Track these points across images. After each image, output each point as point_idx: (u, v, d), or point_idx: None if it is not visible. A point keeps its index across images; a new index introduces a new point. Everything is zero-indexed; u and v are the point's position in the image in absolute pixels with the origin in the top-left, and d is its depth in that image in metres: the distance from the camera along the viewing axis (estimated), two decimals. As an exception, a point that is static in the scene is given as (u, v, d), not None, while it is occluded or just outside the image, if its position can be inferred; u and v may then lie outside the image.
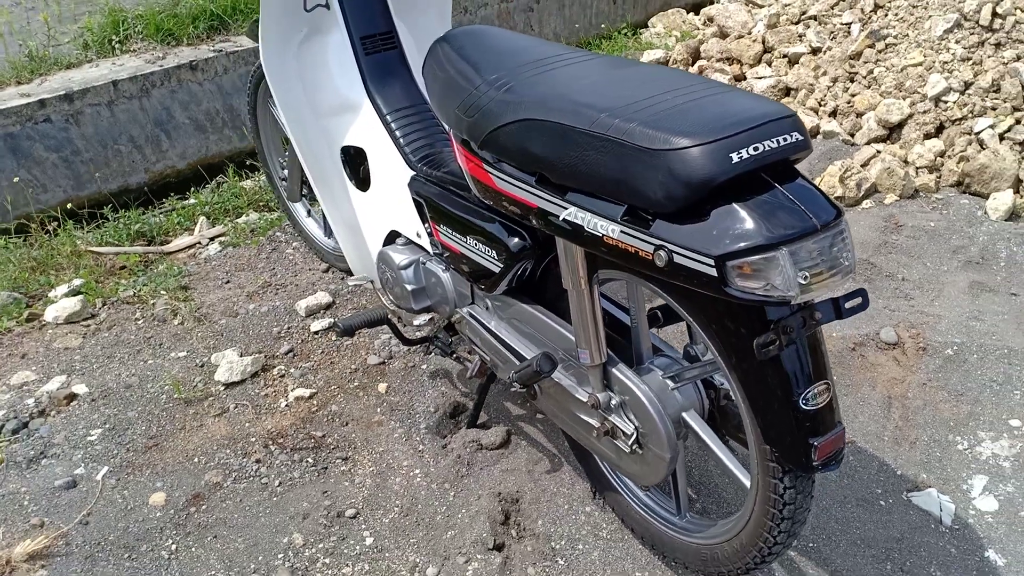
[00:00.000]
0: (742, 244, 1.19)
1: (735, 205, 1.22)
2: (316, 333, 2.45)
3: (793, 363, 1.35)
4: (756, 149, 1.21)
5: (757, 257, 1.20)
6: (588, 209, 1.36)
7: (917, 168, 3.12)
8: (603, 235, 1.34)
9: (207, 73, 4.76)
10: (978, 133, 3.12)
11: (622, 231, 1.31)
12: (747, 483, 1.52)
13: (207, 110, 4.77)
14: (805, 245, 1.21)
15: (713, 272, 1.21)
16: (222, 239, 3.01)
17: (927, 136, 3.21)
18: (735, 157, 1.20)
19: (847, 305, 1.34)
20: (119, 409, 2.19)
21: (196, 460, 2.04)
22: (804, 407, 1.34)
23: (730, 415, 1.62)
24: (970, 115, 3.18)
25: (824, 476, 1.99)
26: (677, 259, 1.25)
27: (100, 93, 4.33)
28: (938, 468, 2.03)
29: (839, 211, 1.26)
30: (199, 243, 3.04)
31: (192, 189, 3.51)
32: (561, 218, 1.41)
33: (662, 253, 1.26)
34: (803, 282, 1.21)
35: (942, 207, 3.01)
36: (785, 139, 1.24)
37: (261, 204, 3.27)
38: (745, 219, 1.21)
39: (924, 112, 3.24)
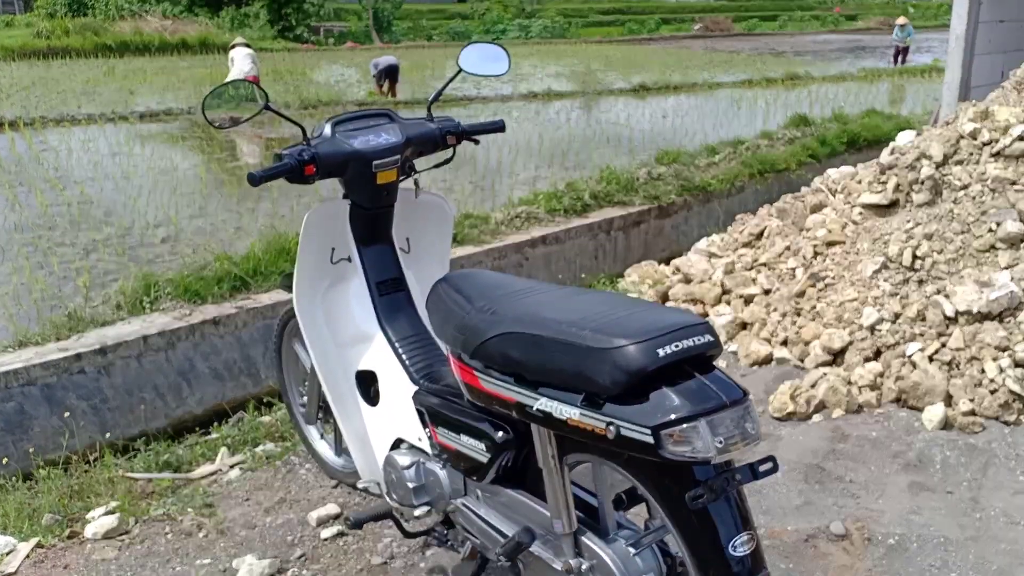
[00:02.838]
0: (672, 416, 1.59)
1: (665, 388, 1.63)
2: (326, 539, 2.74)
3: (722, 517, 1.69)
4: (677, 346, 1.64)
5: (683, 426, 1.59)
6: (555, 398, 1.76)
7: (860, 387, 3.53)
8: (567, 418, 1.73)
9: (228, 327, 5.25)
10: (910, 356, 3.57)
11: (581, 413, 1.70)
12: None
13: (226, 360, 5.21)
14: (719, 416, 1.61)
15: (650, 439, 1.60)
16: (242, 465, 3.35)
17: (867, 359, 3.65)
18: (661, 352, 1.62)
19: (761, 468, 1.70)
20: (149, 609, 2.43)
21: (218, 650, 2.26)
22: (733, 553, 1.66)
23: (683, 579, 1.90)
24: (902, 341, 3.64)
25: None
26: (623, 431, 1.63)
27: (131, 347, 4.76)
28: (886, 642, 2.25)
29: (744, 392, 1.66)
30: (221, 470, 3.36)
31: (214, 424, 3.88)
32: (535, 408, 1.81)
33: (612, 427, 1.65)
34: (719, 446, 1.59)
35: (883, 419, 3.38)
36: (699, 339, 1.68)
37: (277, 435, 3.63)
38: (673, 398, 1.61)
39: (862, 339, 3.71)
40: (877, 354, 3.69)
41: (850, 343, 3.74)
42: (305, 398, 3.07)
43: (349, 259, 2.60)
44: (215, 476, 3.30)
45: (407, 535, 2.39)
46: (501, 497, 2.13)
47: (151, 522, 2.90)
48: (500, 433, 2.04)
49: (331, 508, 2.88)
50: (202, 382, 4.96)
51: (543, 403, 1.79)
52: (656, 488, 1.74)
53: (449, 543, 2.32)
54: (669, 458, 1.60)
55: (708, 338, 1.69)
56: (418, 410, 2.36)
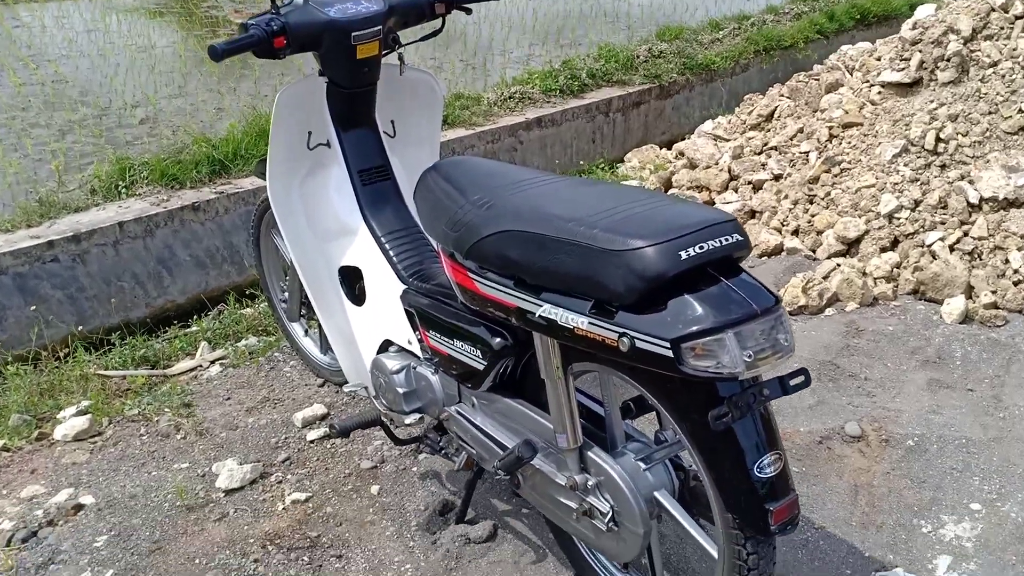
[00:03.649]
0: (694, 328, 1.38)
1: (687, 296, 1.41)
2: (312, 442, 2.58)
3: (747, 436, 1.50)
4: (701, 248, 1.42)
5: (707, 339, 1.38)
6: (561, 305, 1.55)
7: (875, 278, 3.34)
8: (574, 327, 1.52)
9: (208, 213, 4.99)
10: (930, 245, 3.36)
11: (590, 322, 1.49)
12: (714, 553, 1.64)
13: (207, 247, 4.99)
14: (748, 328, 1.40)
15: (670, 354, 1.39)
16: (223, 361, 3.17)
17: (883, 249, 3.45)
18: (683, 254, 1.40)
19: (792, 382, 1.51)
20: (124, 517, 2.29)
21: (197, 562, 2.13)
22: (759, 475, 1.49)
23: (699, 495, 1.75)
24: (921, 230, 3.43)
25: (797, 558, 2.09)
26: (638, 344, 1.43)
27: (107, 234, 4.52)
28: (904, 550, 2.13)
29: (777, 299, 1.45)
30: (200, 366, 3.19)
31: (194, 317, 3.69)
32: (537, 315, 1.60)
33: (625, 339, 1.44)
34: (748, 360, 1.39)
35: (900, 313, 3.21)
36: (726, 239, 1.45)
37: (260, 328, 3.45)
38: (696, 307, 1.40)
39: (879, 228, 3.50)
40: (894, 244, 3.49)
41: (866, 232, 3.53)
42: (287, 293, 2.87)
43: (328, 144, 2.34)
44: (194, 373, 3.13)
45: (397, 442, 2.23)
46: (498, 406, 1.95)
47: (125, 423, 2.74)
48: (498, 339, 1.85)
49: (317, 409, 2.72)
50: (183, 270, 4.77)
51: (547, 310, 1.58)
52: (673, 404, 1.56)
53: (443, 451, 2.16)
54: (691, 374, 1.40)
55: (736, 237, 1.47)
56: (407, 311, 2.15)
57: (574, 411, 1.72)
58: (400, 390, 2.16)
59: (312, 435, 2.60)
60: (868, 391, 2.77)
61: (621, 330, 1.45)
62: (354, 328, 2.39)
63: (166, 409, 2.79)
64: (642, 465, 1.74)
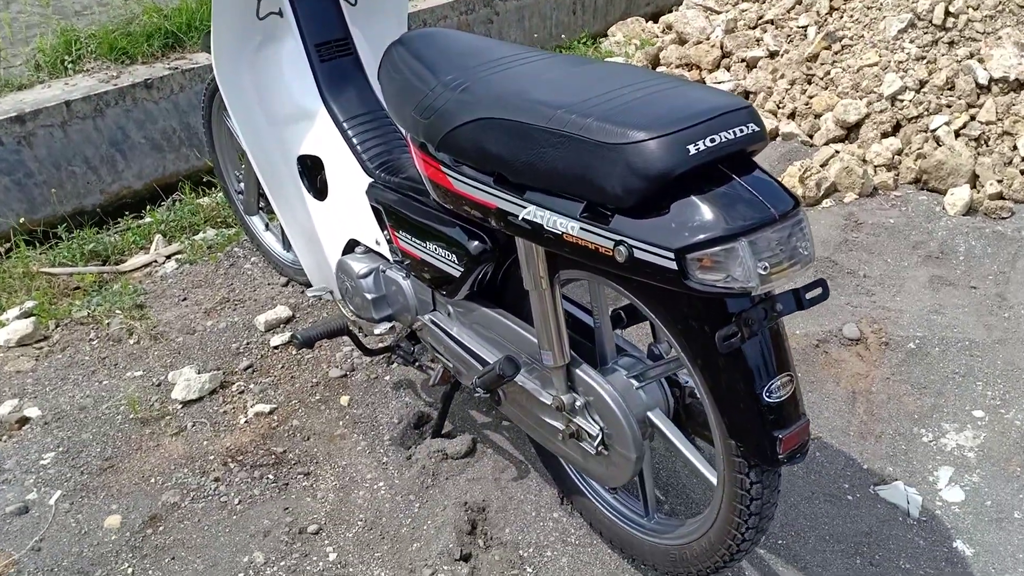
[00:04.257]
0: (701, 236, 1.18)
1: (694, 198, 1.21)
2: (276, 348, 2.41)
3: (756, 356, 1.33)
4: (712, 141, 1.21)
5: (716, 249, 1.19)
6: (547, 207, 1.34)
7: (875, 167, 3.15)
8: (563, 233, 1.32)
9: (162, 91, 4.69)
10: (934, 131, 3.16)
11: (582, 228, 1.29)
12: (714, 480, 1.50)
13: (163, 129, 4.70)
14: (764, 235, 1.20)
15: (673, 265, 1.20)
16: (179, 256, 2.96)
17: (884, 135, 3.23)
18: (692, 149, 1.19)
19: (808, 296, 1.34)
20: (73, 432, 2.12)
21: (153, 481, 1.98)
22: (768, 400, 1.33)
23: (695, 413, 1.60)
24: (926, 113, 3.21)
25: (791, 472, 1.98)
26: (637, 254, 1.23)
27: (53, 114, 4.23)
28: (904, 461, 2.02)
29: (797, 201, 1.25)
30: (155, 261, 2.97)
31: (148, 207, 3.44)
32: (520, 217, 1.39)
33: (622, 248, 1.25)
34: (763, 273, 1.20)
35: (901, 204, 3.03)
36: (741, 130, 1.24)
37: (219, 220, 3.22)
38: (704, 211, 1.20)
39: (881, 111, 3.27)
40: (896, 128, 3.27)
41: (867, 115, 3.30)
42: (243, 183, 2.62)
43: (280, 13, 2.06)
44: (148, 269, 2.92)
45: (367, 353, 2.05)
46: (477, 316, 1.77)
47: (73, 326, 2.54)
48: (475, 243, 1.64)
49: (281, 311, 2.53)
50: (139, 154, 4.49)
51: (531, 212, 1.37)
52: (672, 320, 1.37)
53: (417, 363, 1.99)
54: (697, 289, 1.21)
55: (752, 128, 1.25)
56: (374, 207, 1.94)
57: (561, 326, 1.54)
58: (368, 296, 1.97)
59: (276, 340, 2.42)
60: (867, 289, 2.61)
61: (618, 237, 1.25)
62: (316, 225, 2.17)
63: (117, 311, 2.59)
64: (635, 383, 1.58)
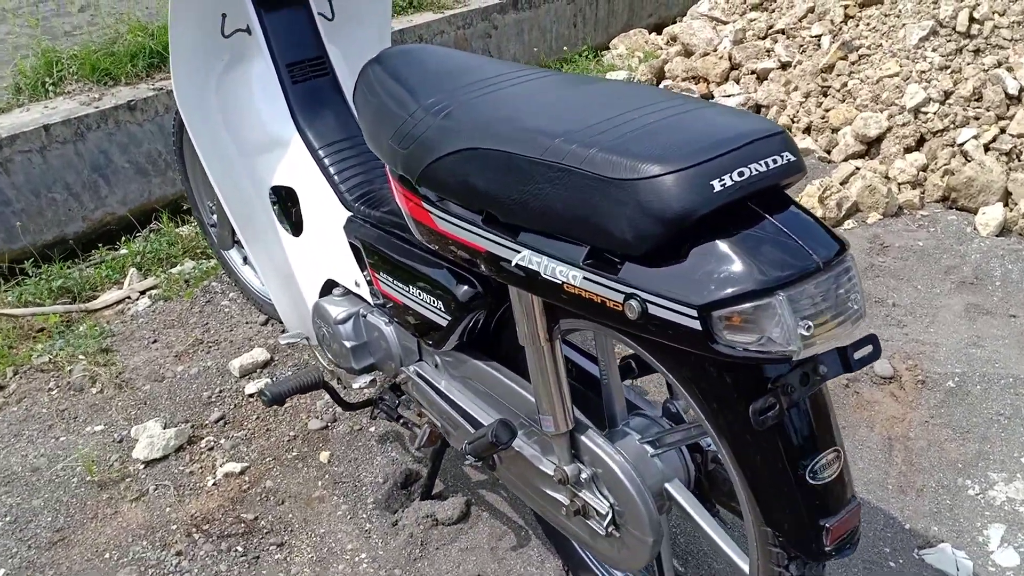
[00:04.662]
0: (730, 290, 0.97)
1: (719, 243, 0.99)
2: (251, 396, 2.19)
3: (796, 430, 1.12)
4: (742, 175, 1.00)
5: (748, 305, 0.97)
6: (544, 252, 1.13)
7: (899, 184, 2.93)
8: (563, 282, 1.11)
9: (147, 113, 4.51)
10: (961, 144, 2.94)
11: (585, 278, 1.08)
12: (745, 568, 1.28)
13: (148, 152, 4.51)
14: (806, 288, 0.99)
15: (696, 325, 0.99)
16: (154, 292, 2.74)
17: (908, 150, 3.02)
18: (717, 185, 0.98)
19: (856, 356, 1.12)
20: (23, 497, 1.91)
21: (107, 556, 1.77)
22: (811, 482, 1.11)
23: (720, 481, 1.39)
24: (952, 126, 3.00)
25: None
26: (652, 310, 1.02)
27: (31, 139, 4.07)
28: (949, 519, 1.80)
29: (843, 244, 1.04)
30: (128, 298, 2.76)
31: (123, 238, 3.24)
32: (513, 263, 1.18)
33: (633, 303, 1.03)
34: (806, 333, 0.99)
35: (929, 224, 2.81)
36: (775, 161, 1.03)
37: (198, 252, 3.01)
38: (732, 259, 0.98)
39: (903, 125, 3.06)
40: (920, 143, 3.06)
41: (888, 129, 3.09)
42: (216, 215, 2.42)
43: (247, 30, 1.85)
44: (121, 306, 2.71)
45: (346, 407, 1.84)
46: (468, 368, 1.55)
47: (33, 373, 2.33)
48: (464, 288, 1.43)
49: (259, 354, 2.32)
50: (123, 178, 4.31)
51: (525, 258, 1.16)
52: (696, 385, 1.16)
53: (402, 420, 1.77)
54: (726, 353, 1.00)
55: (787, 157, 1.04)
56: (352, 245, 1.73)
57: (563, 387, 1.33)
58: (347, 343, 1.76)
59: (251, 388, 2.21)
60: (898, 320, 2.39)
61: (628, 290, 1.04)
62: (292, 264, 1.96)
63: (81, 356, 2.38)
64: (649, 449, 1.36)
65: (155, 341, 2.45)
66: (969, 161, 2.88)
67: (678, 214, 0.97)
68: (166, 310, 2.61)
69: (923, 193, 2.92)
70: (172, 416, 2.13)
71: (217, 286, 2.69)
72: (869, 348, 1.13)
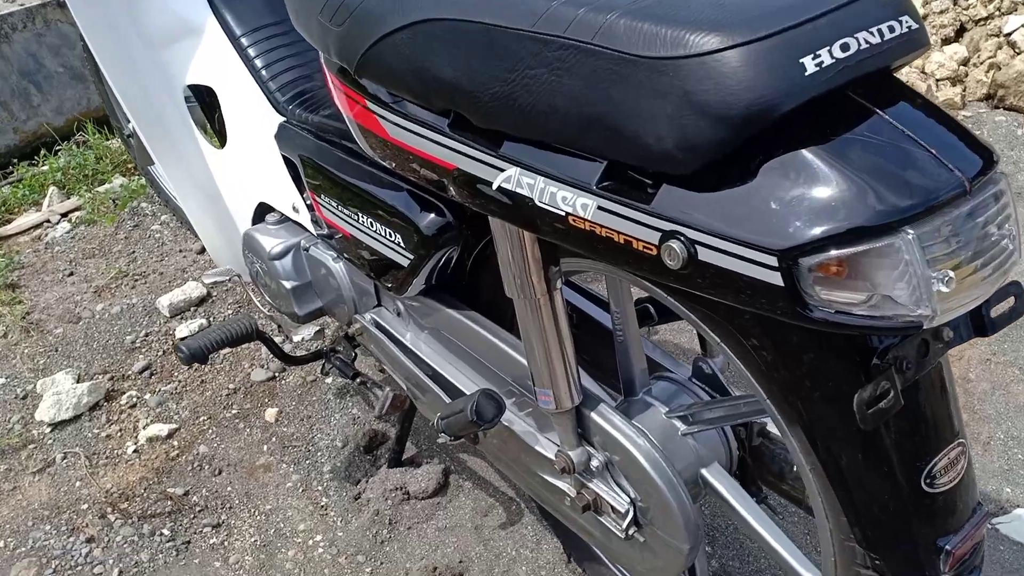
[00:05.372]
0: (829, 226, 0.62)
1: (810, 154, 0.64)
2: (184, 340, 1.83)
3: (907, 421, 0.79)
4: (845, 49, 0.64)
5: (860, 248, 0.62)
6: (540, 171, 0.78)
7: (938, 80, 2.56)
8: (567, 214, 0.76)
9: (79, 11, 3.98)
10: (1009, 35, 2.57)
11: (601, 208, 0.74)
12: (815, 584, 0.97)
13: (84, 56, 4.01)
14: (944, 222, 0.64)
15: (776, 279, 0.64)
16: (76, 215, 2.35)
17: (946, 41, 2.64)
18: (810, 64, 0.63)
19: (994, 313, 0.79)
20: (-98, 471, 1.57)
21: (2, 544, 1.44)
22: (928, 490, 0.79)
23: (767, 459, 1.07)
24: (997, 13, 2.62)
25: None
26: (704, 255, 0.68)
27: (-53, 42, 3.61)
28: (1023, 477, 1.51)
29: (991, 155, 0.68)
30: (48, 221, 2.37)
31: (43, 153, 2.82)
32: (495, 185, 0.82)
33: (675, 246, 0.69)
34: (944, 289, 0.65)
35: (973, 127, 2.46)
36: (891, 29, 0.67)
37: (131, 167, 2.61)
38: (831, 179, 0.63)
39: (940, 12, 2.67)
40: (960, 33, 2.67)
41: (924, 17, 2.69)
42: (132, 124, 2.01)
43: None
44: (38, 231, 2.32)
45: (289, 362, 1.49)
46: (439, 320, 1.20)
47: (-75, 316, 1.96)
48: (430, 217, 1.07)
49: (193, 290, 1.95)
50: (56, 85, 3.88)
51: (512, 178, 0.81)
52: (757, 358, 0.82)
53: (359, 380, 1.42)
54: (822, 320, 0.66)
55: (908, 24, 0.68)
56: (287, 159, 1.35)
57: (567, 353, 0.98)
58: (286, 284, 1.39)
59: (184, 330, 1.85)
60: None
61: (668, 226, 0.69)
62: (217, 183, 1.57)
63: (-18, 293, 2.01)
64: (680, 426, 1.03)
65: (71, 274, 2.07)
66: (1019, 54, 2.50)
67: (749, 110, 0.62)
68: (86, 237, 2.23)
69: (965, 91, 2.55)
70: (87, 366, 1.77)
71: (148, 207, 2.31)
72: (1011, 301, 0.79)
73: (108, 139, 2.77)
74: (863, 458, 0.79)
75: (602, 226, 0.74)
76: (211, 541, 1.44)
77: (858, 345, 0.74)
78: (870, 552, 0.83)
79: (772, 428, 1.08)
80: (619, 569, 1.26)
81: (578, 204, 0.75)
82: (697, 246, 0.68)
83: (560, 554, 1.39)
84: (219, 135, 1.54)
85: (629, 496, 1.01)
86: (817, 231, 0.63)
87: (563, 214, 0.76)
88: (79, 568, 1.40)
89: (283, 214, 1.42)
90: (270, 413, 1.66)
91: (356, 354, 1.45)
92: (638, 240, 0.72)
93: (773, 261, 0.64)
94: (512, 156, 0.80)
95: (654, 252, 0.71)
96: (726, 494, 1.02)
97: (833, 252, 0.63)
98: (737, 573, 1.36)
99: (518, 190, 0.80)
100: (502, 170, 0.81)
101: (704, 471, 1.04)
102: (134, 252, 2.13)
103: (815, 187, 0.64)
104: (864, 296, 0.65)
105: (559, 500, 1.10)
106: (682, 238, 0.68)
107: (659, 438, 1.01)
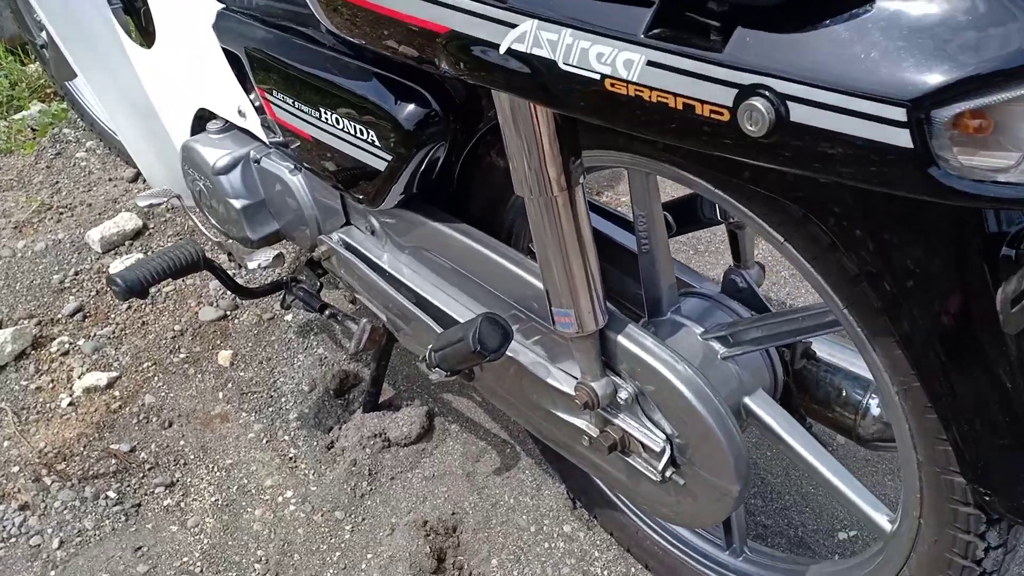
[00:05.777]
0: (972, 68, 0.47)
1: None
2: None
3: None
4: None
5: (1011, 94, 0.47)
6: (564, 22, 0.59)
7: None
8: (603, 76, 0.57)
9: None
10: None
11: (650, 63, 0.55)
12: (886, 525, 0.83)
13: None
14: None
15: (904, 138, 0.48)
16: (-10, 145, 2.09)
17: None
18: None
19: None
20: None
21: (-83, 520, 1.24)
22: None
23: (812, 384, 0.93)
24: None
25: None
26: (798, 114, 0.51)
27: None
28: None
29: None
30: (-43, 153, 2.11)
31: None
32: (504, 47, 0.64)
33: (759, 103, 0.53)
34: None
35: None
36: None
37: (50, 92, 2.33)
38: (974, 6, 0.47)
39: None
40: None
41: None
42: (46, 31, 1.75)
43: None
44: (-53, 165, 2.05)
45: (244, 294, 1.29)
46: (423, 236, 1.01)
47: None
48: (410, 107, 0.88)
49: (126, 221, 1.72)
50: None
51: (527, 36, 0.62)
52: (857, 259, 0.65)
53: (328, 312, 1.23)
54: (961, 191, 0.49)
55: None
56: (229, 53, 1.13)
57: (591, 264, 0.81)
58: (235, 203, 1.19)
59: (119, 266, 1.63)
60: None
61: (747, 78, 0.52)
62: (146, 89, 1.34)
63: None
64: (719, 349, 0.88)
65: (-13, 209, 1.83)
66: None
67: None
68: (3, 167, 1.97)
69: None
70: (10, 311, 1.55)
71: (71, 133, 2.05)
72: None
73: (24, 63, 2.48)
74: (981, 377, 0.63)
75: (652, 88, 0.57)
76: (165, 503, 1.26)
77: (992, 227, 0.58)
78: (980, 487, 0.69)
79: (818, 349, 0.93)
80: (638, 514, 1.12)
81: (619, 62, 0.57)
82: (789, 102, 0.51)
83: (564, 499, 1.24)
84: (147, 34, 1.31)
85: (664, 432, 0.86)
86: (956, 75, 0.46)
87: (598, 77, 0.59)
88: (13, 540, 1.21)
89: (227, 121, 1.21)
90: (223, 356, 1.46)
91: (321, 284, 1.26)
92: (704, 103, 0.55)
93: (900, 115, 0.48)
94: (526, 7, 0.62)
95: (726, 117, 0.54)
96: (775, 426, 0.87)
97: (977, 100, 0.46)
98: (760, 512, 1.23)
99: (535, 51, 0.62)
100: (513, 25, 0.63)
101: (748, 399, 0.89)
102: (57, 182, 1.89)
103: (952, 17, 0.47)
104: (1015, 159, 0.49)
105: (575, 440, 0.94)
106: (768, 93, 0.52)
107: (698, 363, 0.86)
